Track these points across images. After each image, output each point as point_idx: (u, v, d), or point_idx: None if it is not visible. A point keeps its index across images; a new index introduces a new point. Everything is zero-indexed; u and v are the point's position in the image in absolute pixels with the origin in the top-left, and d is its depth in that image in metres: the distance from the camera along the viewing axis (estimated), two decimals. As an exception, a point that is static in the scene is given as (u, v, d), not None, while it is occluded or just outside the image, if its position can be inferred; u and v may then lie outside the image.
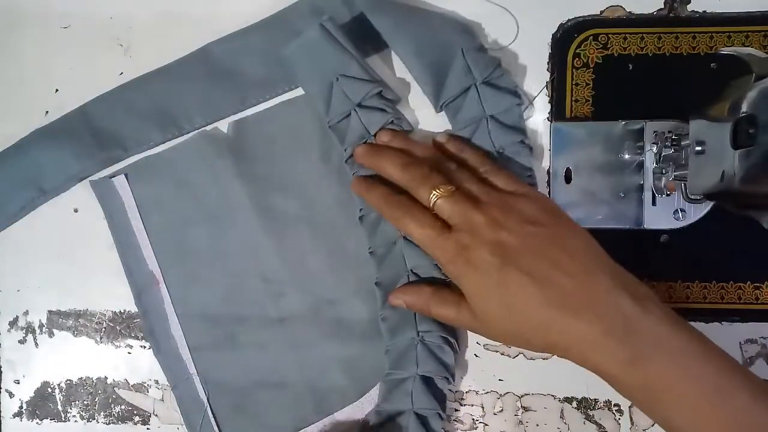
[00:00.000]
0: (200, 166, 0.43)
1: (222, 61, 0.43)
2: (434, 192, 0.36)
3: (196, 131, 0.43)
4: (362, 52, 0.40)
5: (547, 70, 0.42)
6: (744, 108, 0.33)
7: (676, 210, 0.40)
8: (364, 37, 0.41)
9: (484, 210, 0.35)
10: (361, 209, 0.41)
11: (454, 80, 0.40)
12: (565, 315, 0.32)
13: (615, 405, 0.42)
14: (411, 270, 0.40)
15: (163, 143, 0.43)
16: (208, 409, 0.43)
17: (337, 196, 0.43)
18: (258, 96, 0.43)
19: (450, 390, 0.42)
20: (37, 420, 0.45)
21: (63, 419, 0.45)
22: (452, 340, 0.40)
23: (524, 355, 0.42)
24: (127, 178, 0.43)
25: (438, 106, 0.41)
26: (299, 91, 0.43)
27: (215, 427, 0.43)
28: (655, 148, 0.40)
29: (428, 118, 0.42)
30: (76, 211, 0.44)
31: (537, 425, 0.42)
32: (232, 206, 0.43)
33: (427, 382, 0.40)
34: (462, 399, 0.43)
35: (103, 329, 0.44)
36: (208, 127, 0.43)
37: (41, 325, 0.45)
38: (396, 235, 0.40)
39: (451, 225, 0.35)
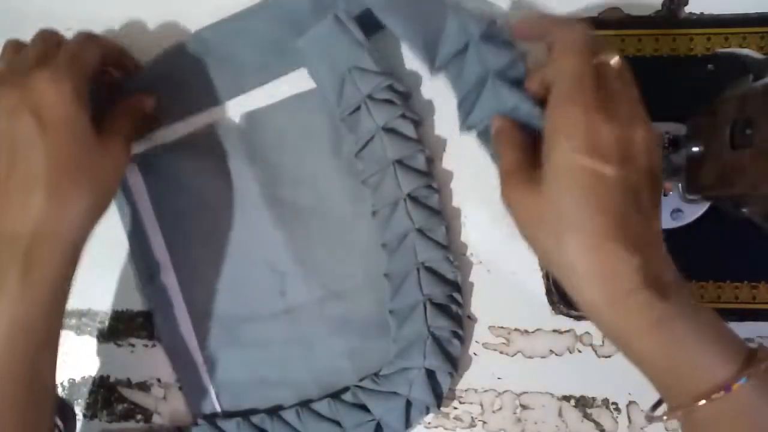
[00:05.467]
0: (211, 155, 0.43)
1: (217, 46, 0.43)
2: None
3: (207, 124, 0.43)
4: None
5: (546, 71, 0.42)
6: (741, 109, 0.33)
7: (674, 210, 0.40)
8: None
9: None
10: (373, 204, 0.41)
11: (450, 40, 0.38)
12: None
13: (613, 403, 0.42)
14: (422, 263, 0.40)
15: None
16: (214, 397, 0.43)
17: (346, 190, 0.43)
18: (255, 82, 0.43)
19: (450, 388, 0.42)
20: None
21: (66, 417, 0.45)
22: (461, 333, 0.41)
23: (522, 354, 0.43)
24: (138, 167, 0.44)
25: (434, 68, 0.39)
26: (306, 81, 0.43)
27: (217, 407, 0.43)
28: (652, 149, 0.40)
29: (440, 110, 0.43)
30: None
31: (535, 423, 0.43)
32: (241, 196, 0.43)
33: (430, 375, 0.40)
34: (461, 397, 0.43)
35: (106, 328, 0.45)
36: (220, 118, 0.44)
37: (44, 325, 0.45)
38: (407, 228, 0.40)
39: None
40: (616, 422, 0.42)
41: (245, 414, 0.42)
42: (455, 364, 0.41)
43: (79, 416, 0.45)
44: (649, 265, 0.29)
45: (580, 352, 0.42)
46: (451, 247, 0.41)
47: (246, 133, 0.43)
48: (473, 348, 0.43)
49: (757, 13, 0.41)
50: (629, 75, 0.32)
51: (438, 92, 0.43)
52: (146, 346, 0.45)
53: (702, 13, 0.41)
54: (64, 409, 0.42)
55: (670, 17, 0.42)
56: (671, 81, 0.41)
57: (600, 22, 0.42)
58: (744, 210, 0.39)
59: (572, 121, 0.30)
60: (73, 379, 0.45)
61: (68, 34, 0.44)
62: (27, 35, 0.45)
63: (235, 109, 0.44)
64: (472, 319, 0.43)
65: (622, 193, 0.30)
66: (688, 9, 0.41)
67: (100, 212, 0.37)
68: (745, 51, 0.36)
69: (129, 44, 0.44)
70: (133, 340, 0.45)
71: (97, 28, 0.44)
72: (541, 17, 0.37)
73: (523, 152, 0.34)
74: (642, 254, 0.29)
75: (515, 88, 0.36)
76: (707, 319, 0.31)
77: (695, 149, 0.36)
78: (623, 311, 0.30)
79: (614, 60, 0.31)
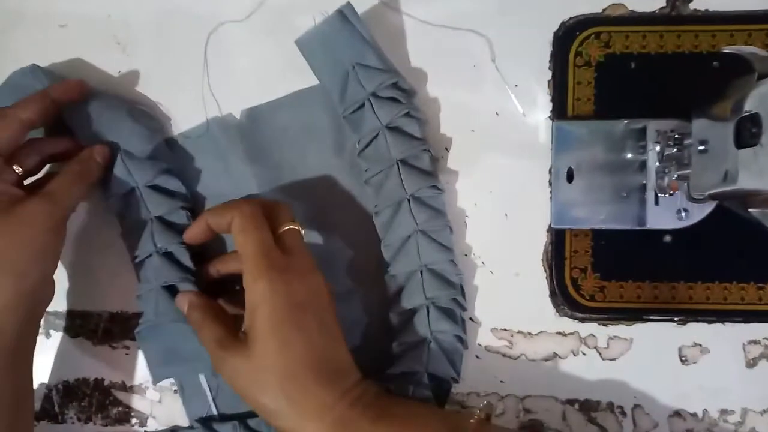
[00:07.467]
0: (211, 152, 0.43)
1: None
2: None
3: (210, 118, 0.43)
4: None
5: (549, 68, 0.42)
6: (747, 107, 0.33)
7: (679, 210, 0.40)
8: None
9: None
10: (376, 204, 0.40)
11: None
12: None
13: (618, 407, 0.42)
14: (425, 265, 0.39)
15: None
16: (210, 400, 0.42)
17: (348, 189, 0.42)
18: None
19: (453, 392, 0.41)
20: (34, 421, 0.44)
21: (60, 421, 0.44)
22: (464, 337, 0.40)
23: (526, 357, 0.42)
24: None
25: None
26: (309, 78, 0.42)
27: (214, 410, 0.43)
28: (657, 147, 0.39)
29: (446, 109, 0.42)
30: (73, 210, 0.44)
31: (539, 427, 0.42)
32: (241, 194, 0.43)
33: (433, 378, 0.40)
34: (463, 401, 0.42)
35: (100, 330, 0.44)
36: (221, 114, 0.43)
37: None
38: (411, 229, 0.39)
39: None
40: (621, 426, 0.42)
41: (242, 417, 0.42)
42: (458, 367, 0.40)
43: (74, 420, 0.44)
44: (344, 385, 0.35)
45: (584, 354, 0.42)
46: (455, 248, 0.40)
47: (247, 128, 0.43)
48: (476, 351, 0.42)
49: (762, 10, 0.40)
50: (300, 234, 0.37)
51: (444, 90, 0.42)
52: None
53: (707, 10, 0.41)
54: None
55: (675, 14, 0.41)
56: (676, 78, 0.41)
57: (604, 18, 0.41)
58: (750, 210, 0.38)
59: (268, 287, 0.34)
60: (68, 382, 0.44)
61: (65, 31, 0.44)
62: (24, 33, 0.45)
63: (236, 105, 0.43)
64: (475, 321, 0.42)
65: (318, 334, 0.35)
66: (692, 6, 0.41)
67: (33, 285, 0.37)
68: (751, 48, 0.35)
69: (126, 43, 0.44)
70: (128, 343, 0.44)
71: (94, 27, 0.44)
72: (205, 219, 0.38)
73: (223, 324, 0.37)
74: (337, 382, 0.35)
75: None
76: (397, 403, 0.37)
77: (701, 148, 0.36)
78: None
79: (289, 226, 0.37)
